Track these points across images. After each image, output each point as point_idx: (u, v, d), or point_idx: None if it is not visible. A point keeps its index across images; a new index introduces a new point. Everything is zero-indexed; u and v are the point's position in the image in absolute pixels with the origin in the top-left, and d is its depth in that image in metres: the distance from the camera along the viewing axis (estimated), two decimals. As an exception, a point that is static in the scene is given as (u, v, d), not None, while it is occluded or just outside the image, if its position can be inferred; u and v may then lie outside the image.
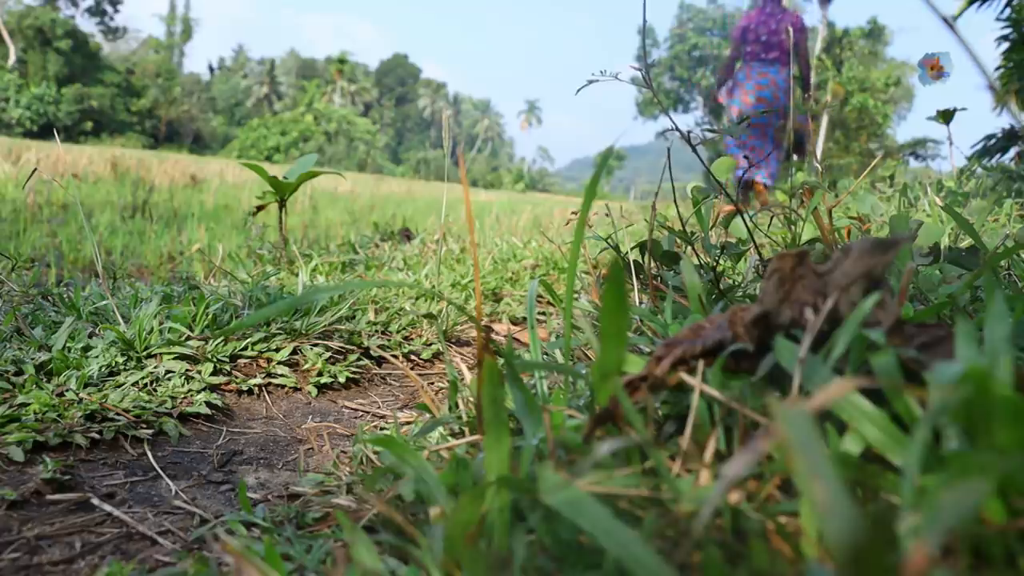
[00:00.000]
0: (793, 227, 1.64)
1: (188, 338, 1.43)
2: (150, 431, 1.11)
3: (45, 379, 1.20)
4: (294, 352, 1.52)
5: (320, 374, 1.47)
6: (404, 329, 1.82)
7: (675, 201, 1.47)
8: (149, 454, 1.06)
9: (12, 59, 44.21)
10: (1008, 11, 4.14)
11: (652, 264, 1.38)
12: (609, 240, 1.59)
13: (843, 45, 28.67)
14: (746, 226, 1.39)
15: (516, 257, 3.28)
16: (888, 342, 0.55)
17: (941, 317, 0.93)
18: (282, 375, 1.43)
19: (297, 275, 2.17)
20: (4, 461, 0.96)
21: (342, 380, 1.48)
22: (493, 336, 0.64)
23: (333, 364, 1.53)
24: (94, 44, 48.34)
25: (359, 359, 1.58)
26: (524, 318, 2.27)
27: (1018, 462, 0.39)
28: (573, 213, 1.78)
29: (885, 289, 0.59)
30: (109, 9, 54.98)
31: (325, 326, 1.62)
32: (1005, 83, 4.38)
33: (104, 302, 1.58)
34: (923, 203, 2.68)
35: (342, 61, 64.83)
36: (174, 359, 1.35)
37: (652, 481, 0.53)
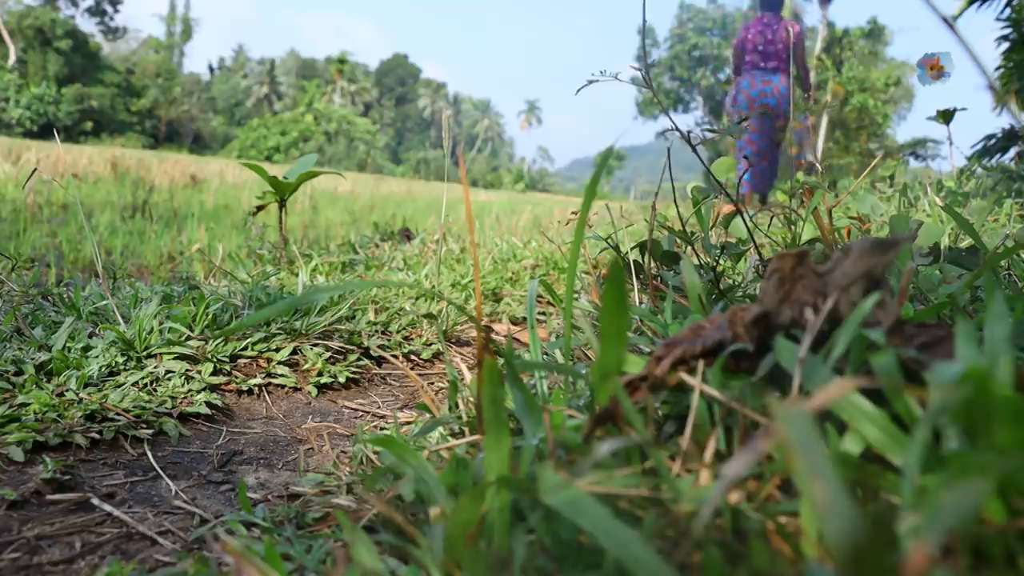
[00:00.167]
0: (793, 227, 1.64)
1: (188, 338, 1.43)
2: (150, 431, 1.11)
3: (45, 379, 1.20)
4: (294, 352, 1.52)
5: (320, 374, 1.47)
6: (404, 329, 1.82)
7: (675, 201, 1.47)
8: (149, 454, 1.06)
9: (12, 59, 44.22)
10: (1008, 11, 4.14)
11: (652, 264, 1.38)
12: (609, 240, 1.59)
13: (843, 45, 28.67)
14: (746, 226, 1.39)
15: (516, 257, 3.28)
16: (888, 342, 0.55)
17: (941, 317, 0.93)
18: (282, 375, 1.43)
19: (297, 275, 2.17)
20: (4, 461, 0.96)
21: (342, 380, 1.48)
22: (493, 336, 0.64)
23: (333, 364, 1.53)
24: (94, 44, 48.35)
25: (359, 359, 1.58)
26: (524, 318, 2.27)
27: (1018, 462, 0.39)
28: (573, 213, 1.78)
29: (885, 289, 0.59)
30: (109, 9, 54.97)
31: (325, 326, 1.62)
32: (1005, 83, 4.39)
33: (104, 302, 1.58)
34: (923, 203, 2.68)
35: (342, 61, 64.85)
36: (174, 359, 1.35)
37: (652, 481, 0.53)
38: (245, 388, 1.37)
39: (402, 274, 2.63)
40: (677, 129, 1.33)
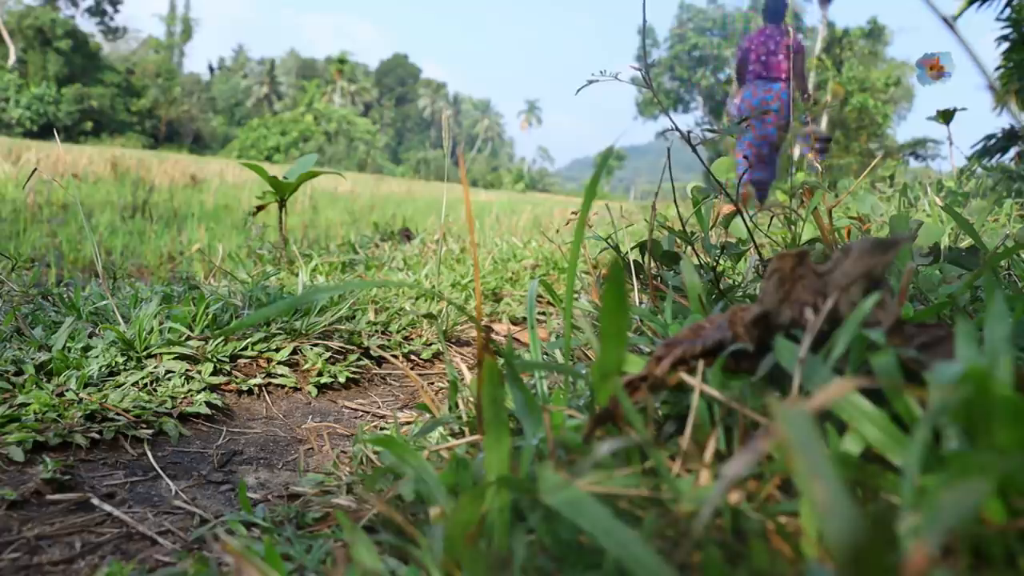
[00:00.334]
0: (793, 227, 1.64)
1: (188, 338, 1.43)
2: (150, 431, 1.11)
3: (45, 379, 1.20)
4: (294, 352, 1.52)
5: (320, 374, 1.47)
6: (404, 329, 1.82)
7: (675, 201, 1.47)
8: (149, 454, 1.06)
9: (12, 59, 44.21)
10: (1008, 11, 4.14)
11: (652, 264, 1.38)
12: (609, 240, 1.59)
13: (843, 45, 28.67)
14: (746, 226, 1.39)
15: (516, 257, 3.28)
16: (888, 342, 0.55)
17: (941, 317, 0.93)
18: (282, 375, 1.43)
19: (297, 275, 2.17)
20: (4, 461, 0.96)
21: (342, 380, 1.48)
22: (493, 336, 0.64)
23: (333, 364, 1.53)
24: (94, 44, 48.34)
25: (359, 359, 1.58)
26: (524, 318, 2.27)
27: (1018, 462, 0.39)
28: (573, 213, 1.79)
29: (885, 289, 0.59)
30: (109, 9, 54.97)
31: (325, 326, 1.62)
32: (1005, 83, 4.39)
33: (104, 302, 1.58)
34: (923, 203, 2.68)
35: (342, 61, 64.84)
36: (174, 359, 1.35)
37: (652, 481, 0.53)
38: (245, 388, 1.37)
39: (402, 274, 2.63)
40: (677, 129, 1.33)
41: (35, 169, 1.77)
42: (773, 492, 0.51)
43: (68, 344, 1.34)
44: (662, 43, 40.85)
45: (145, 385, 1.25)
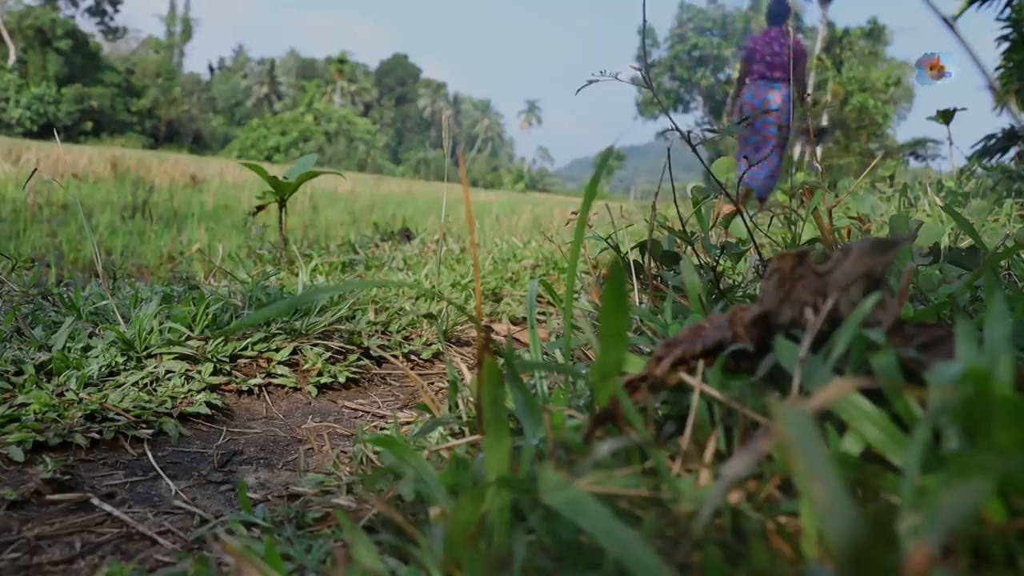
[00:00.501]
0: (793, 227, 1.64)
1: (188, 338, 1.43)
2: (150, 431, 1.11)
3: (45, 379, 1.20)
4: (294, 352, 1.52)
5: (320, 374, 1.47)
6: (404, 329, 1.82)
7: (675, 201, 1.47)
8: (149, 454, 1.06)
9: (12, 59, 44.20)
10: (1008, 11, 4.14)
11: (652, 264, 1.38)
12: (609, 240, 1.59)
13: (843, 45, 28.68)
14: (746, 226, 1.39)
15: (516, 257, 3.28)
16: (888, 342, 0.55)
17: (941, 317, 0.93)
18: (282, 375, 1.43)
19: (297, 275, 2.17)
20: (4, 461, 0.96)
21: (342, 380, 1.48)
22: (493, 336, 0.64)
23: (333, 364, 1.53)
24: (94, 44, 48.34)
25: (359, 359, 1.58)
26: (524, 318, 2.27)
27: (1018, 462, 0.39)
28: (573, 213, 1.78)
29: (885, 289, 0.59)
30: (109, 9, 54.97)
31: (325, 326, 1.62)
32: (1005, 83, 4.39)
33: (104, 302, 1.58)
34: (923, 203, 2.68)
35: (342, 61, 64.84)
36: (174, 359, 1.35)
37: (652, 481, 0.53)
38: (245, 388, 1.37)
39: (402, 274, 2.63)
40: (677, 129, 1.33)
41: (35, 169, 1.77)
42: (773, 492, 0.51)
43: (68, 344, 1.34)
44: (662, 43, 40.87)
45: (145, 385, 1.25)
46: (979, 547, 0.41)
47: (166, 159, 13.68)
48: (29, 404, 1.08)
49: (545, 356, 1.12)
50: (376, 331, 1.76)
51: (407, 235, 4.08)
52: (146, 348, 1.35)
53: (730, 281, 1.50)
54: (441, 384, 1.56)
